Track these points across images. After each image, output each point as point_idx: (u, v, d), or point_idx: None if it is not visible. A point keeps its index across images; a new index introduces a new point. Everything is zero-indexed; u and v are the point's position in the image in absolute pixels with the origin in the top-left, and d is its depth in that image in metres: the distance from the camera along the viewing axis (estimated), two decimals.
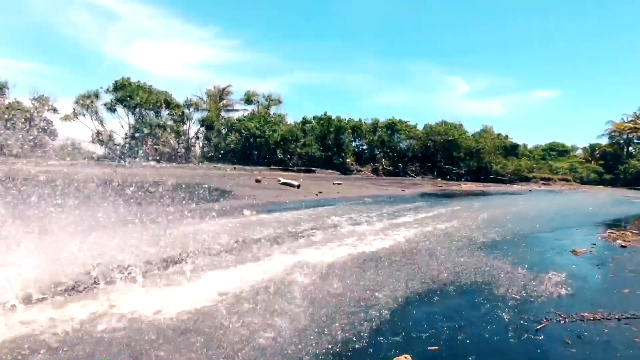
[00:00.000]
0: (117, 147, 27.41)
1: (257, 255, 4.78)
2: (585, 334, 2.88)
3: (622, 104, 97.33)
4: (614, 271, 4.78)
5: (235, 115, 32.74)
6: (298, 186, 14.81)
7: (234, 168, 23.94)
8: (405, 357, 2.54)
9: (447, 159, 34.13)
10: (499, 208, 13.00)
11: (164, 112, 29.38)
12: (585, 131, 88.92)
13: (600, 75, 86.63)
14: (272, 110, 34.58)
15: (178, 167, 22.10)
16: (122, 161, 22.91)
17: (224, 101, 32.57)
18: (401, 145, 34.81)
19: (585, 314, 3.23)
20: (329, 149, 31.83)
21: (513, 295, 3.66)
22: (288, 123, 33.77)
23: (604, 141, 48.96)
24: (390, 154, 33.72)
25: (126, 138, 27.77)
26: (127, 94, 27.30)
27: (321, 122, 32.49)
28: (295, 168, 27.88)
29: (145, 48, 53.59)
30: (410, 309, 3.29)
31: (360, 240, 6.07)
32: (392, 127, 34.46)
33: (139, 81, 28.96)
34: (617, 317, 3.20)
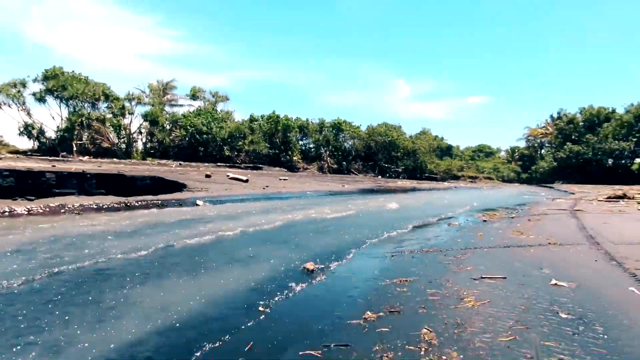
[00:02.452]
0: (48, 140, 26.62)
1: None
2: (417, 256, 5.45)
3: (539, 111, 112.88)
4: (464, 231, 7.66)
5: (180, 111, 33.25)
6: (246, 180, 16.72)
7: (179, 164, 24.82)
8: (310, 264, 4.89)
9: (387, 158, 38.12)
10: (422, 199, 16.40)
11: (102, 105, 29.03)
12: (509, 135, 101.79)
13: (523, 85, 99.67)
14: (219, 106, 35.64)
15: (120, 163, 22.49)
16: (56, 155, 22.60)
17: (168, 96, 32.91)
18: (346, 144, 38.06)
19: (427, 249, 5.87)
20: (277, 147, 33.84)
21: (391, 242, 6.27)
22: (235, 120, 35.06)
23: (522, 144, 57.30)
24: (335, 152, 36.76)
25: (58, 131, 27.03)
26: (59, 84, 26.59)
27: (269, 120, 34.37)
28: (242, 165, 29.44)
29: (73, 32, 50.35)
30: (307, 239, 5.70)
31: (297, 212, 8.45)
32: (337, 127, 37.53)
33: (73, 71, 28.28)
34: (441, 250, 5.87)
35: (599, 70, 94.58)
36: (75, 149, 25.94)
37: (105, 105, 29.29)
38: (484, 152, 59.22)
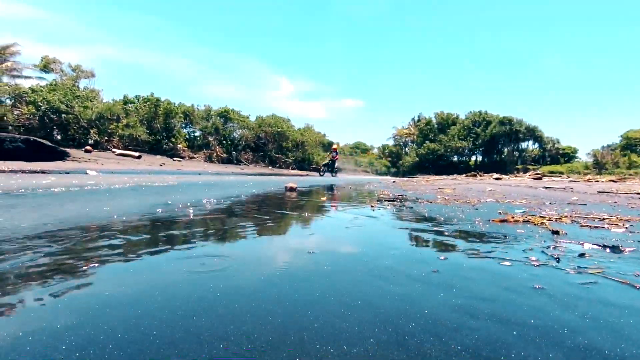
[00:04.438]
0: None
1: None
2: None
3: (405, 114, 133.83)
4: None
5: (27, 84, 27.67)
6: (139, 157, 15.66)
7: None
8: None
9: (277, 149, 39.72)
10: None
11: None
12: (380, 134, 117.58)
13: (392, 91, 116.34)
14: (82, 84, 31.05)
15: None
16: None
17: (8, 63, 26.97)
18: (235, 134, 38.02)
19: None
20: (158, 133, 31.51)
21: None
22: (104, 102, 31.11)
23: (391, 142, 67.06)
24: (224, 142, 36.36)
25: None
26: None
27: (147, 103, 31.74)
28: (117, 151, 26.51)
29: None
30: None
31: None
32: (225, 115, 37.17)
33: None
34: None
35: (446, 80, 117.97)
36: None
37: None
38: (360, 149, 67.04)
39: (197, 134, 36.39)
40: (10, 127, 25.01)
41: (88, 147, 15.85)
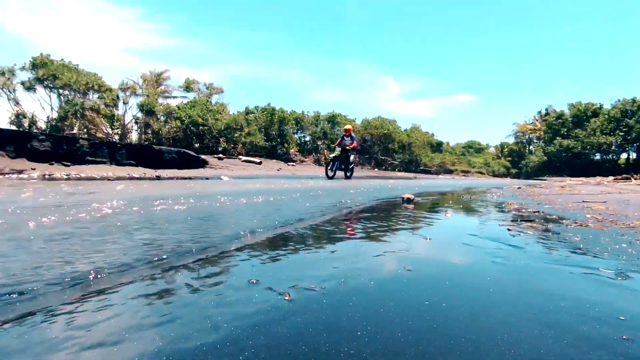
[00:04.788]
0: (40, 130, 26.37)
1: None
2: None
3: (526, 107, 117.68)
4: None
5: (174, 103, 33.44)
6: (259, 163, 17.40)
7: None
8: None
9: (383, 151, 39.36)
10: (440, 181, 17.46)
11: (94, 96, 28.97)
12: (496, 131, 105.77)
13: (510, 83, 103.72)
14: (214, 99, 36.00)
15: None
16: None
17: (162, 87, 33.05)
18: None
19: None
20: (273, 139, 34.47)
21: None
22: (230, 113, 35.49)
23: (511, 140, 59.84)
24: (332, 145, 37.72)
25: (49, 121, 26.85)
26: (49, 72, 26.48)
27: (265, 112, 35.00)
28: (243, 158, 29.94)
29: (54, 23, 49.40)
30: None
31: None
32: (332, 120, 38.50)
33: (62, 59, 28.18)
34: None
35: (583, 68, 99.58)
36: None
37: (97, 95, 29.26)
38: (473, 148, 61.57)
39: (307, 138, 38.58)
40: (163, 139, 30.61)
41: (220, 155, 18.26)
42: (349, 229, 3.34)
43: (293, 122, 36.62)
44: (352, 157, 14.61)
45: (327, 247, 2.52)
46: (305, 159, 36.29)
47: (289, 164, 21.72)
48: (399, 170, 38.33)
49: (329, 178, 13.82)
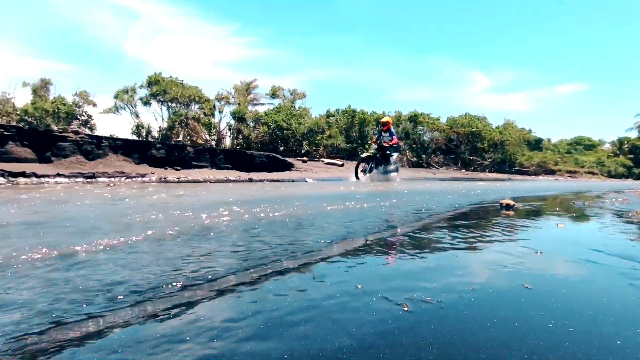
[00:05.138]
0: (153, 139, 30.66)
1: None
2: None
3: None
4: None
5: (261, 109, 35.88)
6: (342, 165, 17.71)
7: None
8: None
9: (471, 151, 36.74)
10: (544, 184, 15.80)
11: (195, 106, 32.63)
12: (612, 125, 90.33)
13: (629, 68, 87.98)
14: (297, 104, 37.68)
15: None
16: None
17: (251, 95, 35.75)
18: (424, 137, 37.54)
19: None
20: (354, 141, 34.71)
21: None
22: (312, 117, 36.77)
23: (634, 134, 50.83)
24: (414, 146, 36.46)
25: (161, 130, 31.05)
26: (162, 88, 30.62)
27: (345, 114, 35.45)
28: (325, 160, 30.81)
29: (164, 46, 57.09)
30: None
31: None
32: (414, 119, 37.24)
33: (170, 76, 32.32)
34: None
35: None
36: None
37: (198, 106, 32.91)
38: (582, 145, 53.71)
39: None
40: (252, 143, 33.08)
41: (304, 158, 19.05)
42: (447, 237, 3.25)
43: (374, 123, 36.40)
44: (393, 157, 12.00)
45: (429, 257, 2.51)
46: None
47: None
48: (490, 171, 35.34)
49: (358, 179, 11.93)
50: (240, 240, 2.75)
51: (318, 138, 33.53)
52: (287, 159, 15.44)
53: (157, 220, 3.54)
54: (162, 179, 10.76)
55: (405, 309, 1.54)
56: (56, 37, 50.10)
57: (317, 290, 1.75)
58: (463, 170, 33.99)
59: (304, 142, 33.68)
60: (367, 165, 12.03)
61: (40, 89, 28.62)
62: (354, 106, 36.88)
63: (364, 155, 12.57)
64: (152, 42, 58.51)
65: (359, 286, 1.80)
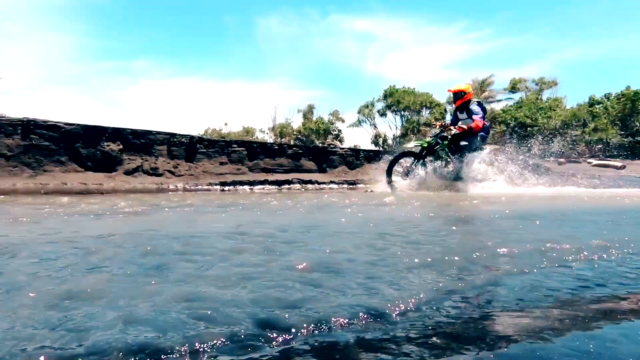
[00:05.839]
0: (388, 146, 33.62)
1: None
2: None
3: None
4: None
5: (497, 107, 32.67)
6: (622, 167, 13.65)
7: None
8: None
9: None
10: None
11: (426, 112, 33.40)
12: None
13: None
14: (545, 94, 32.05)
15: None
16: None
17: (486, 93, 33.16)
18: None
19: None
20: (636, 134, 26.08)
21: None
22: (566, 108, 30.28)
23: None
24: None
25: (394, 138, 33.63)
26: (395, 99, 33.11)
27: (621, 100, 27.16)
28: (592, 162, 24.71)
29: (397, 59, 61.70)
30: None
31: None
32: None
33: (404, 86, 34.42)
34: None
35: None
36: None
37: (429, 111, 33.55)
38: None
39: None
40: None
41: (561, 160, 15.96)
42: None
43: None
44: (474, 153, 7.34)
45: None
46: None
47: None
48: None
49: (392, 185, 7.54)
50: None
51: (576, 134, 27.19)
52: (542, 164, 13.33)
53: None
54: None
55: None
56: (316, 69, 63.50)
57: None
58: None
59: (554, 140, 28.15)
60: (411, 165, 7.66)
61: (308, 112, 36.82)
62: (635, 87, 27.66)
63: (410, 145, 8.69)
64: (387, 58, 64.45)
65: None
